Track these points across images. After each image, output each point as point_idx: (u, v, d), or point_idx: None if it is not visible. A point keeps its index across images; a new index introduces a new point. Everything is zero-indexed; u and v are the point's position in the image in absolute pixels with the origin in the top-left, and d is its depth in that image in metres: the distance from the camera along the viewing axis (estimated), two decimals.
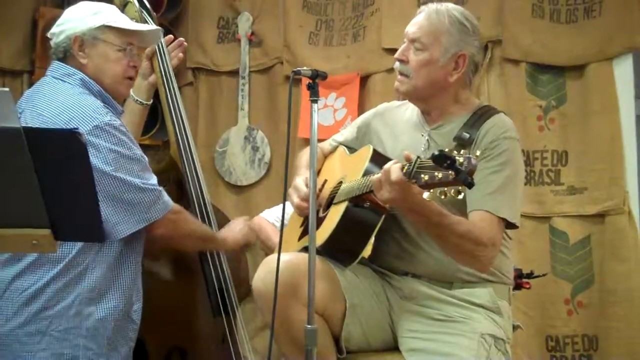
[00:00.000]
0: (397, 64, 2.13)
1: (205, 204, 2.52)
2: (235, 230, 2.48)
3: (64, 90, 2.10)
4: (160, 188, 2.14)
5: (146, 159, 2.16)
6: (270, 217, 3.23)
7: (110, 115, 2.08)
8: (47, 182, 1.37)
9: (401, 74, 2.12)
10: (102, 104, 2.10)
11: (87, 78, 2.13)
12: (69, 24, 2.15)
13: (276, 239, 2.99)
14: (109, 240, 2.06)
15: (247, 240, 2.51)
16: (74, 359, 2.03)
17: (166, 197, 2.15)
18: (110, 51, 2.16)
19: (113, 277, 2.11)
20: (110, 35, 2.16)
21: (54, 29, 2.18)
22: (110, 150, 2.02)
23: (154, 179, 2.14)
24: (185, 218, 2.25)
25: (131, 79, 2.24)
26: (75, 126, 1.98)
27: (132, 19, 2.46)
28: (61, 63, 2.16)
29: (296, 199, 2.20)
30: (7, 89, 1.25)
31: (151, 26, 2.38)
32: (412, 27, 2.12)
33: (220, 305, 2.46)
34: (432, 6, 2.13)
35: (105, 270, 2.09)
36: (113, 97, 2.20)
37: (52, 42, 2.19)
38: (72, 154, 1.36)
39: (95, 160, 1.98)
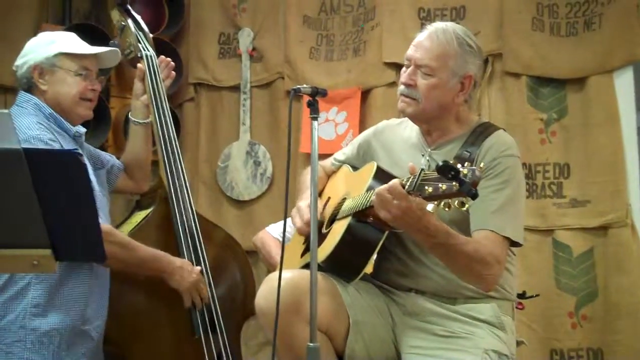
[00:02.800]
0: (402, 88, 2.11)
1: (192, 224, 2.51)
2: (181, 275, 2.40)
3: (13, 114, 2.22)
4: None
5: None
6: (274, 232, 3.22)
7: (42, 131, 2.18)
8: (48, 203, 1.37)
9: (408, 96, 2.09)
10: (36, 121, 2.21)
11: (41, 102, 2.28)
12: (29, 55, 2.31)
13: (279, 255, 2.98)
14: None
15: (191, 293, 2.43)
16: None
17: None
18: (67, 76, 2.30)
19: (58, 293, 2.16)
20: (67, 61, 2.30)
21: (17, 62, 2.33)
22: None
23: None
24: (109, 240, 2.16)
25: (90, 101, 2.36)
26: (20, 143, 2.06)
27: (128, 42, 2.61)
28: (23, 92, 2.30)
29: (299, 222, 2.19)
30: (7, 111, 1.25)
31: (105, 48, 2.45)
32: (418, 51, 2.08)
33: (200, 324, 2.43)
34: (436, 27, 2.11)
35: (49, 286, 2.14)
36: (73, 119, 2.32)
37: (17, 74, 2.33)
38: (72, 174, 1.36)
39: None
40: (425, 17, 3.62)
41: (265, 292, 1.97)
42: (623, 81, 3.34)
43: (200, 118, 4.05)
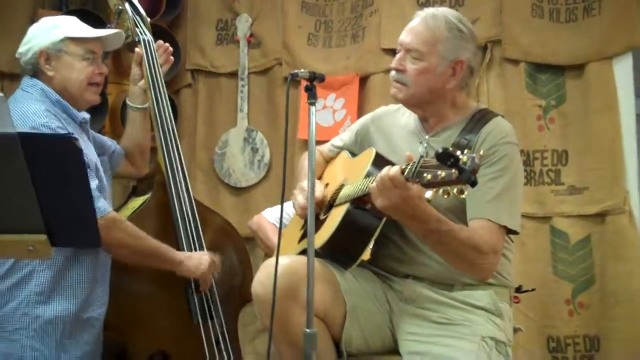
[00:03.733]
0: (393, 73, 2.11)
1: (191, 210, 2.50)
2: (197, 261, 2.41)
3: (21, 100, 2.22)
4: (97, 193, 2.15)
5: (88, 163, 2.18)
6: (270, 217, 3.21)
7: (50, 119, 2.16)
8: (43, 188, 1.36)
9: (398, 82, 2.10)
10: (44, 108, 2.18)
11: (47, 87, 2.25)
12: (34, 41, 2.28)
13: (275, 239, 2.98)
14: None
15: (206, 276, 2.43)
16: (21, 359, 2.08)
17: (101, 202, 2.17)
18: (74, 61, 2.28)
19: (62, 280, 2.15)
20: (73, 46, 2.28)
21: (21, 49, 2.30)
22: None
23: (93, 184, 2.15)
24: (121, 227, 2.24)
25: (98, 85, 2.34)
26: (15, 127, 2.05)
27: (125, 26, 2.57)
28: (29, 77, 2.27)
29: (301, 200, 2.18)
30: (2, 94, 1.24)
31: (110, 30, 2.44)
32: (408, 36, 2.09)
33: (198, 311, 2.43)
34: (427, 12, 2.10)
35: (54, 273, 2.14)
36: (80, 105, 2.30)
37: (21, 61, 2.30)
38: (67, 159, 1.36)
39: None
40: (425, 3, 3.60)
41: (261, 278, 1.97)
42: (622, 68, 3.33)
43: (198, 104, 4.03)
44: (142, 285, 2.45)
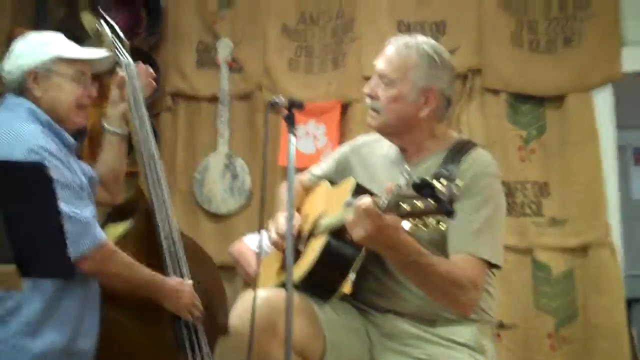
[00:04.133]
0: (368, 100, 2.11)
1: (171, 237, 2.45)
2: (178, 296, 2.35)
3: (8, 119, 2.12)
4: (91, 220, 2.09)
5: (83, 186, 2.13)
6: (252, 244, 3.16)
7: (47, 141, 2.08)
8: (12, 216, 1.31)
9: (372, 109, 2.09)
10: (40, 129, 2.10)
11: (35, 108, 2.15)
12: (22, 59, 2.18)
13: (254, 266, 2.92)
14: None
15: (189, 311, 2.39)
16: None
17: (97, 230, 2.11)
18: (64, 82, 2.20)
19: (52, 311, 2.05)
20: (62, 66, 2.20)
21: (7, 66, 2.20)
22: None
23: (87, 210, 2.09)
24: (116, 258, 2.17)
25: (85, 107, 2.26)
26: (9, 150, 1.99)
27: (104, 48, 2.48)
28: (14, 95, 2.17)
29: (273, 234, 2.14)
30: None
31: (102, 52, 2.37)
32: (381, 63, 2.09)
33: (187, 341, 2.38)
34: (401, 40, 2.10)
35: (43, 304, 2.04)
36: (68, 127, 2.21)
37: (4, 78, 2.20)
38: (38, 186, 1.30)
39: None
40: (405, 30, 3.59)
41: (240, 312, 1.92)
42: (602, 99, 3.34)
43: (178, 128, 3.97)
44: (126, 316, 2.36)
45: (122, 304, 2.33)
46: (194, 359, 2.39)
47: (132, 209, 2.54)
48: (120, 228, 2.50)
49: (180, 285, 2.36)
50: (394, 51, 2.08)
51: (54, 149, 2.07)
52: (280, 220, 2.16)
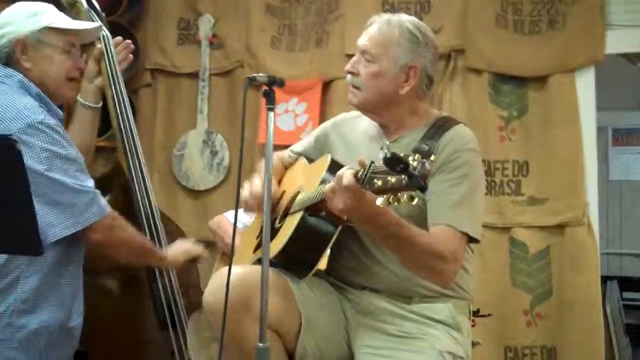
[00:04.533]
0: (348, 77, 2.10)
1: (152, 211, 2.45)
2: (176, 248, 2.38)
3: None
4: (96, 191, 2.06)
5: (82, 159, 2.09)
6: (232, 218, 3.13)
7: (45, 114, 2.02)
8: None
9: (353, 86, 2.08)
10: (37, 104, 2.04)
11: (26, 80, 2.08)
12: (9, 27, 2.09)
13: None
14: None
15: (190, 257, 2.40)
16: None
17: (102, 200, 2.08)
18: (54, 54, 2.12)
19: (49, 288, 2.02)
20: (53, 37, 2.12)
21: None
22: (43, 149, 1.96)
23: (90, 181, 2.06)
24: (121, 225, 2.16)
25: (75, 80, 2.20)
26: (7, 125, 1.94)
27: (79, 19, 2.42)
28: (1, 66, 2.09)
29: (247, 192, 2.13)
30: None
31: (92, 24, 2.31)
32: (363, 39, 2.08)
33: (168, 320, 2.38)
34: (384, 17, 2.09)
35: (40, 280, 2.01)
36: (56, 100, 2.15)
37: None
38: (6, 161, 1.27)
39: (27, 159, 1.89)
40: (390, 9, 3.57)
41: (214, 288, 1.90)
42: (584, 81, 3.35)
43: (157, 104, 3.94)
44: (105, 295, 2.37)
45: (99, 284, 2.32)
46: (176, 336, 2.39)
47: (110, 183, 2.51)
48: None
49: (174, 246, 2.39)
50: (376, 28, 2.07)
51: (54, 123, 2.02)
52: (255, 181, 2.15)
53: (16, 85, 2.07)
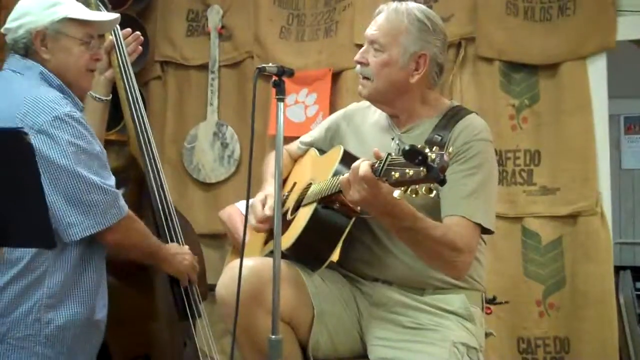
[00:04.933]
0: (358, 67, 2.08)
1: (167, 202, 2.44)
2: (179, 257, 2.35)
3: (21, 83, 2.02)
4: (118, 191, 2.05)
5: (105, 155, 2.07)
6: (243, 209, 3.13)
7: (71, 107, 1.99)
8: None
9: (363, 77, 2.06)
10: (61, 95, 2.01)
11: (47, 71, 2.04)
12: (27, 17, 2.04)
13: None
14: (62, 242, 1.96)
15: (181, 272, 2.37)
16: None
17: (122, 201, 2.06)
18: (73, 45, 2.08)
19: (74, 283, 2.01)
20: (72, 28, 2.07)
21: (10, 24, 2.07)
22: (69, 143, 1.93)
23: (112, 179, 2.05)
24: (137, 227, 2.14)
25: (93, 71, 2.17)
26: (34, 118, 1.92)
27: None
28: (20, 56, 2.06)
29: (253, 221, 2.13)
30: None
31: (111, 14, 2.27)
32: (371, 28, 2.06)
33: (187, 310, 2.38)
34: (392, 5, 2.07)
35: (66, 275, 1.99)
36: (75, 92, 2.11)
37: (8, 38, 2.07)
38: (17, 154, 1.27)
39: (52, 153, 1.90)
40: None
41: (226, 281, 1.90)
42: (596, 68, 3.31)
43: (167, 97, 3.94)
44: (124, 286, 2.35)
45: (120, 276, 2.31)
46: (194, 325, 2.39)
47: (124, 177, 2.51)
48: None
49: (179, 249, 2.36)
50: (384, 17, 2.05)
51: (79, 116, 1.99)
52: (256, 204, 2.14)
53: (37, 76, 2.04)
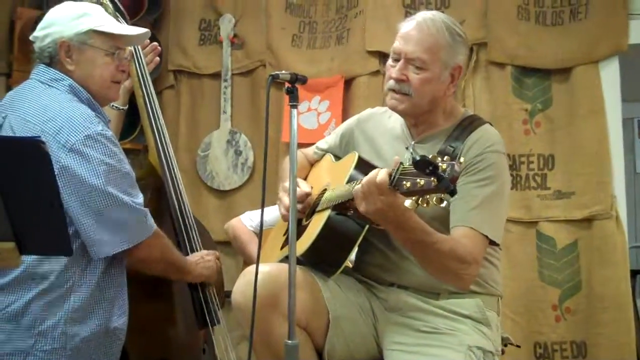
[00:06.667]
0: (392, 83, 2.01)
1: (186, 211, 2.45)
2: (201, 265, 2.34)
3: (52, 97, 2.00)
4: (146, 209, 2.05)
5: (134, 174, 2.07)
6: (248, 222, 3.15)
7: (102, 125, 2.00)
8: (10, 193, 1.30)
9: (398, 92, 2.01)
10: (93, 113, 2.01)
11: (76, 84, 2.04)
12: (54, 27, 2.05)
13: (251, 248, 2.92)
14: (87, 258, 1.98)
15: (208, 279, 2.39)
16: None
17: (151, 219, 2.06)
18: (98, 56, 2.06)
19: (98, 297, 2.02)
20: (98, 40, 2.06)
21: (38, 32, 2.07)
22: (101, 162, 1.93)
23: (140, 197, 2.05)
24: (163, 243, 2.14)
25: (119, 82, 2.16)
26: (66, 137, 1.92)
27: None
28: (47, 67, 2.06)
29: (287, 201, 2.10)
30: None
31: (139, 29, 2.24)
32: (409, 45, 1.99)
33: (207, 317, 2.39)
34: (423, 17, 2.02)
35: (91, 290, 2.00)
36: (101, 103, 2.12)
37: (35, 46, 2.08)
38: (35, 163, 1.29)
39: (84, 172, 1.91)
40: (410, 5, 3.56)
41: (242, 287, 1.91)
42: (609, 72, 3.32)
43: (180, 106, 3.97)
44: (145, 293, 2.35)
45: (140, 282, 2.32)
46: (213, 332, 2.40)
47: (144, 185, 2.51)
48: None
49: (199, 255, 2.36)
50: (421, 30, 1.99)
51: (110, 135, 1.99)
52: (284, 198, 2.14)
53: (66, 89, 2.02)
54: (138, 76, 2.46)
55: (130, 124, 2.64)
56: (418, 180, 1.55)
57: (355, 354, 2.00)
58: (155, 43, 2.57)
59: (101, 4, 2.47)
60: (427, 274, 1.96)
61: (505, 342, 2.12)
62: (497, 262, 2.06)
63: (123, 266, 2.09)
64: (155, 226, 2.08)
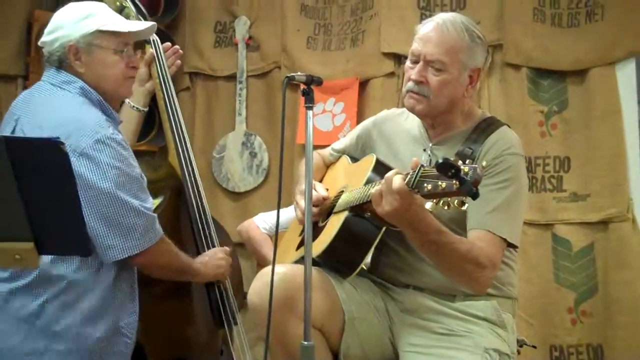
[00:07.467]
0: (411, 84, 2.01)
1: (204, 212, 2.46)
2: (211, 264, 2.33)
3: (64, 100, 2.02)
4: (155, 215, 2.06)
5: (145, 178, 2.08)
6: (261, 224, 3.15)
7: (113, 129, 2.00)
8: (29, 194, 1.31)
9: (417, 93, 2.00)
10: (104, 117, 2.02)
11: (87, 87, 2.04)
12: (61, 31, 2.05)
13: (265, 250, 2.93)
14: (99, 262, 1.99)
15: (219, 278, 2.38)
16: None
17: (158, 224, 2.07)
18: (106, 56, 2.07)
19: (111, 297, 2.03)
20: (104, 39, 2.06)
21: (46, 37, 2.08)
22: (110, 166, 1.94)
23: (150, 202, 2.06)
24: (169, 250, 2.14)
25: (132, 78, 2.16)
26: (76, 141, 1.92)
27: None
28: (58, 70, 2.06)
29: (304, 204, 2.11)
30: None
31: (145, 23, 2.26)
32: (428, 46, 1.98)
33: (223, 317, 2.39)
34: (443, 18, 2.01)
35: (104, 291, 2.02)
36: (114, 102, 2.13)
37: (45, 51, 2.09)
38: (54, 164, 1.30)
39: (93, 176, 1.92)
40: (425, 6, 3.55)
41: (258, 288, 1.91)
42: (625, 73, 3.29)
43: (196, 108, 3.99)
44: (162, 293, 2.36)
45: (155, 281, 2.34)
46: (230, 333, 2.40)
47: (163, 186, 2.53)
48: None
49: (210, 254, 2.34)
50: (440, 32, 1.98)
51: (121, 139, 1.99)
52: (300, 201, 2.14)
53: (77, 92, 2.03)
54: (159, 78, 2.47)
55: (147, 125, 2.65)
56: (439, 182, 1.55)
57: (371, 356, 2.00)
58: (177, 46, 2.58)
59: (123, 7, 2.49)
60: (443, 276, 1.96)
61: (520, 343, 2.11)
62: (513, 264, 2.06)
63: (134, 270, 2.10)
64: (162, 232, 2.08)
